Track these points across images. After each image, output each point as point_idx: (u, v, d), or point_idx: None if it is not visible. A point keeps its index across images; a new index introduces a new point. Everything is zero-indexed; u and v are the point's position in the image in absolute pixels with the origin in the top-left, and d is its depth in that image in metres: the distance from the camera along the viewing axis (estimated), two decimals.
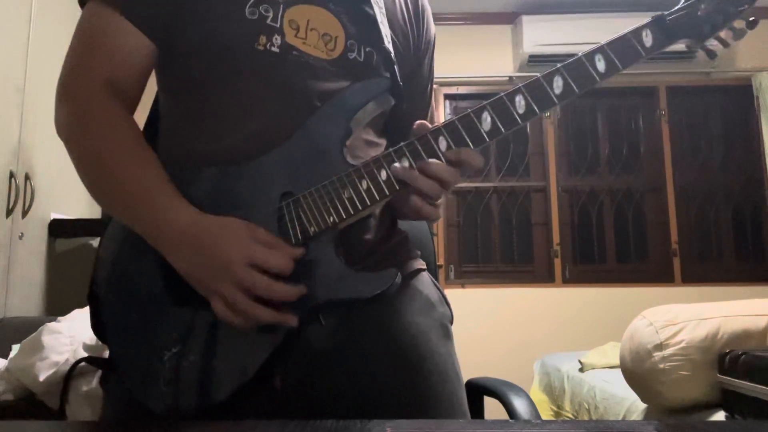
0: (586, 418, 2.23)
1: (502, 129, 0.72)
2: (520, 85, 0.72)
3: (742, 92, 3.78)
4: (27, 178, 2.25)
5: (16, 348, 1.66)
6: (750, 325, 1.42)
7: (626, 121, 3.95)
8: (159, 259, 0.73)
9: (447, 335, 0.86)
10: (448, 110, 3.94)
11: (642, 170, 3.91)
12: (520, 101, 0.72)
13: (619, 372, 1.65)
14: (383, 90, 0.80)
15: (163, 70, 0.83)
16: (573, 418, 2.40)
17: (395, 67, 0.84)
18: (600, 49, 0.72)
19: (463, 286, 3.68)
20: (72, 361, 1.52)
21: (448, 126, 0.73)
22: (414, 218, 0.82)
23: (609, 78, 0.71)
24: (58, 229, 2.46)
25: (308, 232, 0.72)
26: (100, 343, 0.79)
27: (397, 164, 0.72)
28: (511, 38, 3.88)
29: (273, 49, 0.78)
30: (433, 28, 0.98)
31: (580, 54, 0.72)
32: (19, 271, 2.22)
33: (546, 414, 2.66)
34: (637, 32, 0.72)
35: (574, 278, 3.72)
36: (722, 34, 0.74)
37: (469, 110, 0.73)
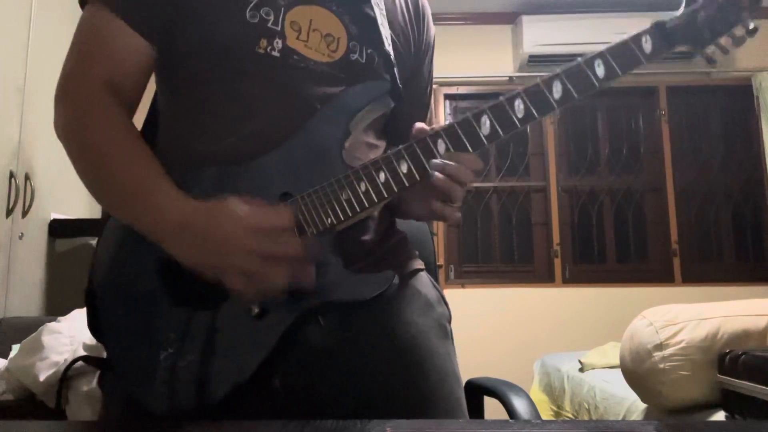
0: (586, 418, 2.23)
1: (501, 133, 0.73)
2: (520, 89, 0.72)
3: (742, 92, 3.78)
4: (27, 178, 2.25)
5: (16, 348, 1.66)
6: (750, 325, 1.42)
7: (626, 121, 3.95)
8: (156, 259, 0.73)
9: (446, 335, 0.86)
10: (448, 110, 3.94)
11: (642, 170, 3.91)
12: (519, 105, 0.72)
13: (619, 372, 1.65)
14: (383, 92, 0.80)
15: (163, 70, 0.83)
16: (573, 418, 2.40)
17: (395, 69, 0.84)
18: (600, 55, 0.72)
19: (463, 286, 3.68)
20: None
21: (447, 129, 0.74)
22: (432, 219, 0.83)
23: (609, 84, 0.72)
24: (58, 229, 2.46)
25: (306, 234, 0.72)
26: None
27: (437, 160, 0.72)
28: (511, 38, 3.88)
29: (273, 53, 0.78)
30: (433, 30, 0.99)
31: (579, 59, 0.72)
32: (19, 271, 2.22)
33: (546, 414, 2.66)
34: (637, 38, 0.72)
35: (574, 278, 3.72)
36: (722, 40, 0.74)
37: (469, 114, 0.73)
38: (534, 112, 0.72)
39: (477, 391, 1.19)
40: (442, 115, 3.86)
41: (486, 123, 0.73)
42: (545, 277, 3.76)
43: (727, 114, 3.92)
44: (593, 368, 2.45)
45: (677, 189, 3.81)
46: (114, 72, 0.77)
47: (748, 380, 1.26)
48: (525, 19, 3.68)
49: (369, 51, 0.84)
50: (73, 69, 0.79)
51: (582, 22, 3.61)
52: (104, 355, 0.78)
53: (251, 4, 0.78)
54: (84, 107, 0.77)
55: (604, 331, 3.05)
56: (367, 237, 0.83)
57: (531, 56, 3.68)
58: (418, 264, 0.91)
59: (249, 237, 0.67)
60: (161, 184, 0.73)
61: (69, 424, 0.97)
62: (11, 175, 2.17)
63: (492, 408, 1.21)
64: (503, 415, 1.03)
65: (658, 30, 0.73)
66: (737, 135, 3.90)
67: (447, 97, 3.92)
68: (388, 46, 0.85)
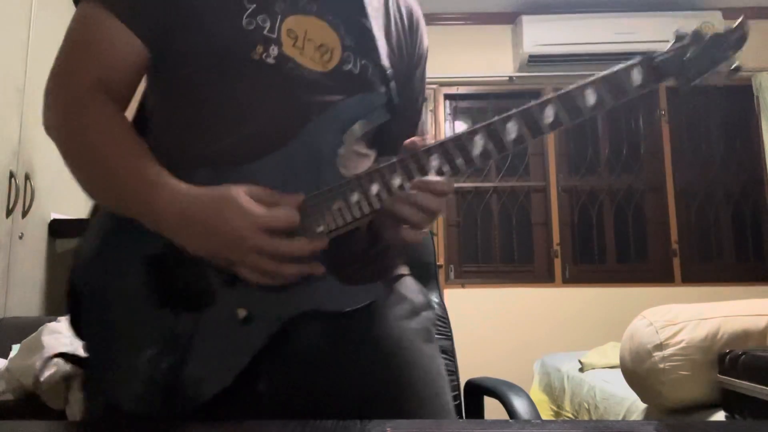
0: (586, 418, 2.23)
1: (492, 154, 0.74)
2: (515, 110, 0.74)
3: (742, 92, 3.78)
4: (27, 178, 2.25)
5: (16, 348, 1.66)
6: (750, 325, 1.41)
7: (626, 121, 3.95)
8: (141, 259, 0.73)
9: (430, 338, 0.87)
10: (448, 110, 3.94)
11: (642, 170, 3.90)
12: (512, 127, 0.73)
13: (619, 372, 1.65)
14: (378, 106, 0.80)
15: (157, 71, 0.83)
16: (573, 418, 2.40)
17: (391, 82, 0.85)
18: (591, 84, 0.74)
19: (463, 286, 3.68)
20: None
21: (440, 146, 0.74)
22: (393, 241, 0.82)
23: (595, 113, 0.74)
24: (58, 229, 2.46)
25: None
26: None
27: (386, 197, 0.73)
28: (511, 38, 3.88)
29: (269, 60, 0.78)
30: (426, 42, 0.99)
31: (571, 87, 0.74)
32: (19, 271, 2.22)
33: (546, 414, 2.66)
34: (627, 70, 0.74)
35: (574, 278, 3.72)
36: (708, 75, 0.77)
37: (462, 132, 0.74)
38: (525, 135, 0.73)
39: (477, 391, 1.19)
40: (442, 115, 3.86)
41: (479, 142, 0.74)
42: (545, 277, 3.76)
43: (727, 114, 3.91)
44: (593, 368, 2.45)
45: (677, 189, 3.81)
46: (107, 71, 0.77)
47: (748, 380, 1.26)
48: (525, 19, 3.68)
49: (363, 62, 0.84)
50: (64, 66, 0.78)
51: (582, 22, 3.61)
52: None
53: (248, 11, 0.78)
54: (76, 102, 0.76)
55: (604, 331, 3.05)
56: (355, 242, 0.83)
57: (531, 56, 3.68)
58: (404, 270, 0.92)
59: (260, 239, 0.68)
60: (157, 172, 0.72)
61: (69, 424, 0.97)
62: (11, 175, 2.17)
63: (492, 408, 1.21)
64: (503, 415, 1.03)
65: (647, 63, 0.75)
66: (737, 135, 3.90)
67: (447, 97, 3.92)
68: (384, 59, 0.85)
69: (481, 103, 3.99)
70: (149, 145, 0.77)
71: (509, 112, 0.74)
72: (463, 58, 3.81)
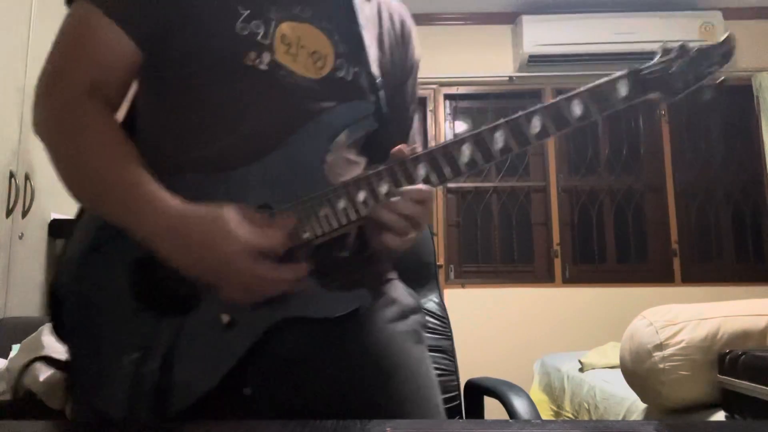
0: (586, 418, 2.23)
1: (479, 163, 0.75)
2: (502, 120, 0.75)
3: (742, 92, 3.78)
4: (27, 178, 2.25)
5: (16, 348, 1.66)
6: (750, 325, 1.41)
7: (626, 121, 3.95)
8: (126, 263, 0.73)
9: (419, 340, 0.87)
10: (447, 110, 3.94)
11: (642, 170, 3.90)
12: (499, 137, 0.74)
13: (619, 372, 1.65)
14: (367, 114, 0.81)
15: (148, 75, 0.82)
16: (573, 418, 2.40)
17: (380, 91, 0.85)
18: (577, 95, 0.75)
19: (463, 286, 3.68)
20: None
21: (428, 155, 0.75)
22: (379, 248, 0.82)
23: (581, 124, 0.75)
24: (58, 229, 2.45)
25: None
26: None
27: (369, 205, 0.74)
28: (511, 38, 3.88)
29: (261, 66, 0.78)
30: (418, 51, 0.99)
31: (559, 98, 0.75)
32: (19, 271, 2.22)
33: (546, 414, 2.66)
34: (613, 83, 0.76)
35: (574, 278, 3.72)
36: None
37: (449, 141, 0.75)
38: (511, 145, 0.74)
39: (477, 391, 1.19)
40: (442, 115, 3.86)
41: (466, 151, 0.75)
42: (545, 277, 3.76)
43: (727, 114, 3.91)
44: (593, 368, 2.45)
45: (677, 189, 3.81)
46: (99, 73, 0.77)
47: (748, 380, 1.26)
48: (525, 19, 3.67)
49: (355, 69, 0.84)
50: (57, 67, 0.78)
51: (582, 22, 3.61)
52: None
53: (242, 17, 0.78)
54: (66, 105, 0.76)
55: (604, 331, 3.05)
56: (341, 249, 0.83)
57: (531, 56, 3.67)
58: (392, 275, 0.92)
59: (250, 265, 0.68)
60: (148, 186, 0.72)
61: (69, 424, 0.96)
62: (11, 175, 2.17)
63: (492, 408, 1.21)
64: (503, 415, 1.03)
65: (633, 76, 0.76)
66: (737, 135, 3.90)
67: (447, 97, 3.92)
68: (375, 68, 0.86)
69: (481, 103, 3.99)
70: (138, 147, 0.77)
71: (496, 122, 0.75)
72: (463, 58, 3.81)
